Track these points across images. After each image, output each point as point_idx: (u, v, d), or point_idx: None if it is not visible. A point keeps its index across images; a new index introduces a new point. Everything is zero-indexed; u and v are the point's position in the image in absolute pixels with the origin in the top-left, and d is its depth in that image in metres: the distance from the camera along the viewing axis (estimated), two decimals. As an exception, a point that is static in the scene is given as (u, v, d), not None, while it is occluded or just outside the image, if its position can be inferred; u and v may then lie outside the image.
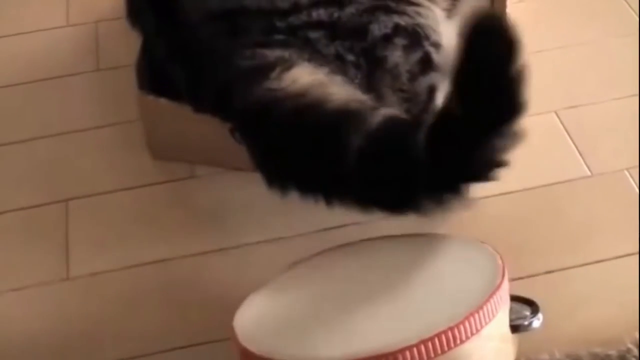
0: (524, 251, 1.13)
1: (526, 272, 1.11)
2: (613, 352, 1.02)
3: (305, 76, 1.05)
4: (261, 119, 1.03)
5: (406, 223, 1.14)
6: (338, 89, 1.04)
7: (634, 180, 1.21)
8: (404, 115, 1.04)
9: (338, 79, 1.07)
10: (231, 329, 0.91)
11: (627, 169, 1.22)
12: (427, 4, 1.20)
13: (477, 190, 1.18)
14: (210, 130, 1.11)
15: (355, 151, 0.96)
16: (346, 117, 0.99)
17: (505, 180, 1.20)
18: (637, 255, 1.12)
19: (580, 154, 1.24)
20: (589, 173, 1.22)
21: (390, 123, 0.99)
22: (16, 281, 1.15)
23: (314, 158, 0.99)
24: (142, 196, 1.23)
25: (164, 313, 1.11)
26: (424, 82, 1.16)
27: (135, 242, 1.18)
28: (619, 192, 1.20)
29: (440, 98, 1.19)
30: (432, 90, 1.18)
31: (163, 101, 1.17)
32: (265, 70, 1.05)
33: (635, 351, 1.02)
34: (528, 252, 1.13)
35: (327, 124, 1.00)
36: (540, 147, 1.26)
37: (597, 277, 1.11)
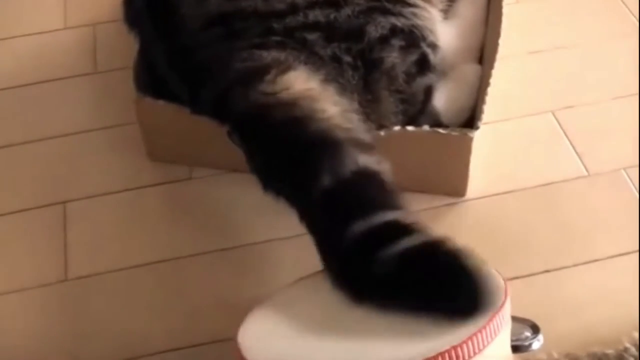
0: (521, 251, 1.13)
1: (524, 272, 1.11)
2: (611, 352, 1.02)
3: (299, 83, 1.04)
4: (254, 124, 1.03)
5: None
6: (328, 105, 1.01)
7: (631, 179, 1.21)
8: (380, 169, 0.97)
9: (331, 89, 1.05)
10: (235, 343, 0.91)
11: (624, 169, 1.22)
12: (424, 4, 1.21)
13: (475, 191, 1.20)
14: (208, 132, 1.11)
15: (322, 190, 0.93)
16: (324, 149, 0.96)
17: (503, 179, 1.22)
18: (635, 254, 1.12)
19: (578, 154, 1.25)
20: (586, 173, 1.22)
21: (361, 179, 0.95)
22: (15, 283, 1.15)
23: (289, 176, 0.98)
24: (140, 198, 1.23)
25: (163, 314, 1.11)
26: (420, 83, 1.17)
27: (134, 243, 1.18)
28: (616, 191, 1.20)
29: (437, 99, 1.19)
30: (429, 91, 1.18)
31: (161, 103, 1.17)
32: (260, 72, 1.05)
33: (633, 350, 1.02)
34: (526, 252, 1.13)
35: (306, 148, 0.97)
36: (538, 147, 1.26)
37: (594, 276, 1.11)
